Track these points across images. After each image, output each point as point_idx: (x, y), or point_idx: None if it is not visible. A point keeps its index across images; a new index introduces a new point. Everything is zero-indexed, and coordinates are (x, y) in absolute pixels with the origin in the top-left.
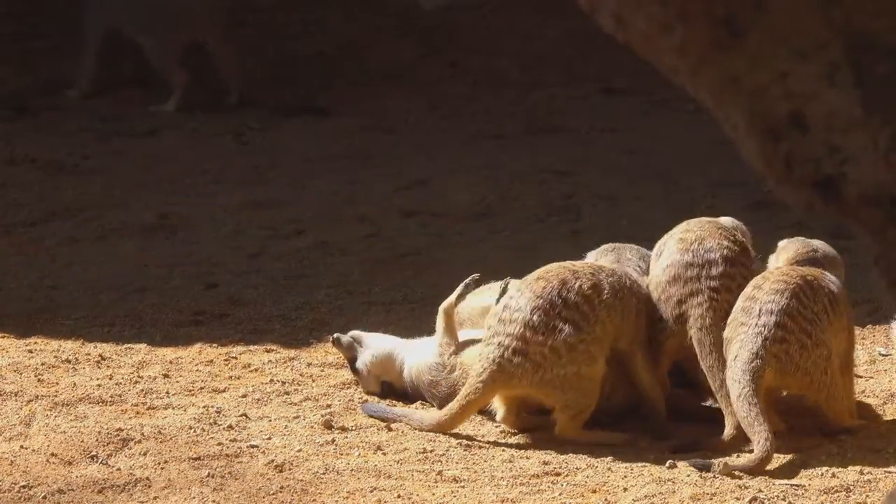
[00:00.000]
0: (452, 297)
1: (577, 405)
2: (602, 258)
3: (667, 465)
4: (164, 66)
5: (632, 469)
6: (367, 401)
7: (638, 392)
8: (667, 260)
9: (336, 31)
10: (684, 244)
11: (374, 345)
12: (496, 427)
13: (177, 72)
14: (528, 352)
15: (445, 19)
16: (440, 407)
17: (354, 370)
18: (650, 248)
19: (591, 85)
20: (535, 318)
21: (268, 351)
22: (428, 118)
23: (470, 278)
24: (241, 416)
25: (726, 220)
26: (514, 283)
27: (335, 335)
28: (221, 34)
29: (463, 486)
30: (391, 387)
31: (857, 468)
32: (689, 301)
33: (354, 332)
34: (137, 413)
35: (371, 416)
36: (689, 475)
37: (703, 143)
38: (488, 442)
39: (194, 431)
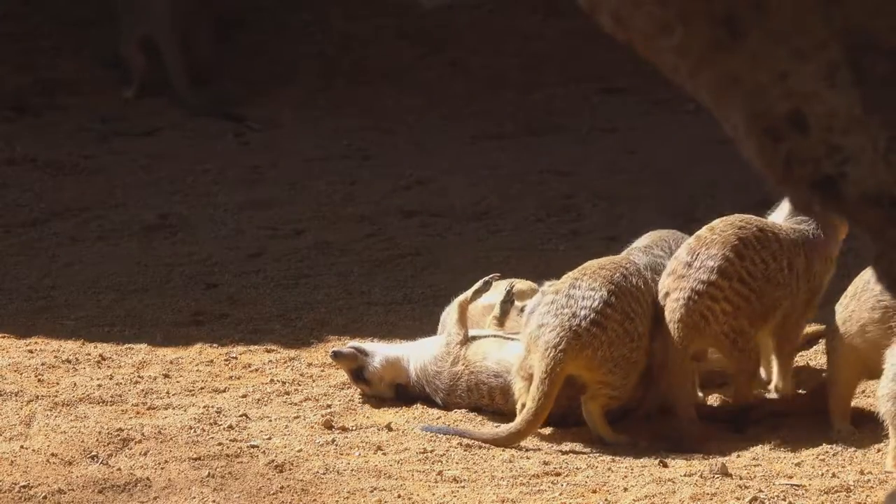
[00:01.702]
0: (469, 293)
1: (619, 387)
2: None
3: (657, 462)
4: (125, 55)
5: (632, 469)
6: (365, 402)
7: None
8: (676, 252)
9: (336, 31)
10: (697, 242)
11: (382, 350)
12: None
13: (135, 60)
14: (607, 326)
15: (445, 19)
16: (442, 403)
17: (362, 380)
18: None
19: (591, 85)
20: (612, 298)
21: (268, 351)
22: (428, 118)
23: (490, 276)
24: (241, 416)
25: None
26: (518, 283)
27: (334, 349)
28: (168, 34)
29: (463, 486)
30: (405, 390)
31: (857, 468)
32: (671, 294)
33: (354, 343)
34: (137, 413)
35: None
36: (689, 475)
37: (703, 143)
38: None
39: (194, 431)
